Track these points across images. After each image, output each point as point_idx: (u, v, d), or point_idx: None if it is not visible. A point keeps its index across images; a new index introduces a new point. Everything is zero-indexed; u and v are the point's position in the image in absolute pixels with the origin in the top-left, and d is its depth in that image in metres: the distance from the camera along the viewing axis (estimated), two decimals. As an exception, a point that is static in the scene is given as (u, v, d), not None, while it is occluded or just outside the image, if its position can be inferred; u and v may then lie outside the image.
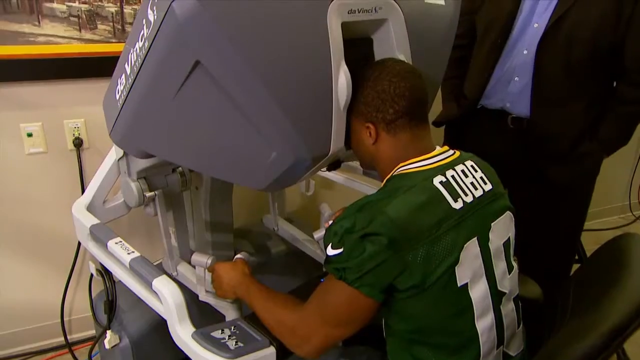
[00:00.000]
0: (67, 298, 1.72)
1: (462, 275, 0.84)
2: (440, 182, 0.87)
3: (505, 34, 1.39)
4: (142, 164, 1.15)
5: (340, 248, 0.82)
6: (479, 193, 0.92)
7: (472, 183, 0.92)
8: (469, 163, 0.95)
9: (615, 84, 1.37)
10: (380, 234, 0.79)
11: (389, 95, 0.88)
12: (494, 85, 1.46)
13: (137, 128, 0.89)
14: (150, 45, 0.74)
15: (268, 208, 1.60)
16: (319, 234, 1.35)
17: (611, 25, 1.27)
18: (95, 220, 1.15)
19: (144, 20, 0.74)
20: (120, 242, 1.06)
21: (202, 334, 0.90)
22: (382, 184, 0.92)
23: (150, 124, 0.87)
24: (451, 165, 0.92)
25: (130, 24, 1.54)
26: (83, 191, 1.60)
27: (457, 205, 0.86)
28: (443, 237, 0.83)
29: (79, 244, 1.58)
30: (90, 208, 1.20)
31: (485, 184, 0.95)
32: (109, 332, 1.26)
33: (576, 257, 1.68)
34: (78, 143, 1.59)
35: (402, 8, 0.94)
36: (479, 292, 0.86)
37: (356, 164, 1.53)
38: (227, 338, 0.91)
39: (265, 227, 1.62)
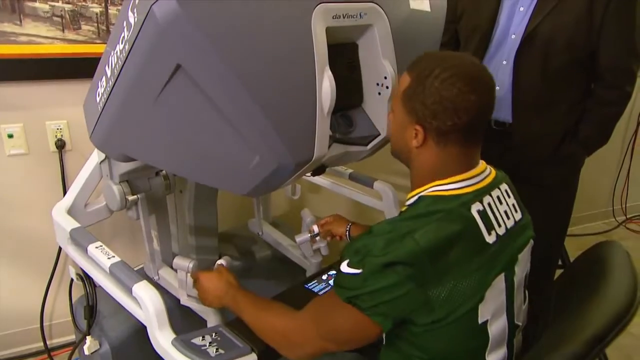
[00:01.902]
0: (47, 303, 1.69)
1: (485, 312, 0.79)
2: (478, 211, 0.80)
3: (484, 45, 1.41)
4: (125, 167, 1.13)
5: (359, 269, 0.75)
6: (510, 223, 0.86)
7: (505, 212, 0.86)
8: (503, 187, 0.89)
9: (592, 86, 1.39)
10: (406, 264, 0.72)
11: (453, 106, 0.77)
12: None
13: (118, 132, 0.88)
14: (131, 48, 0.73)
15: (254, 212, 1.59)
16: (301, 237, 1.34)
17: (584, 32, 1.30)
18: (76, 224, 1.13)
19: (125, 23, 0.73)
20: (101, 246, 1.04)
21: (183, 341, 0.89)
22: (412, 195, 0.85)
23: (130, 127, 0.85)
24: (488, 189, 0.85)
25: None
26: (65, 194, 1.58)
27: (491, 239, 0.80)
28: (472, 275, 0.76)
29: (60, 248, 1.55)
30: (71, 211, 1.18)
31: (516, 212, 0.89)
32: (88, 338, 1.23)
33: (559, 263, 1.69)
34: (60, 145, 1.56)
35: (388, 14, 0.94)
36: (498, 328, 0.82)
37: (342, 168, 1.53)
38: (207, 345, 0.90)
39: (250, 231, 1.61)
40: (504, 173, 0.94)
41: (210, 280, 1.05)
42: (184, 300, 1.16)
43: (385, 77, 0.96)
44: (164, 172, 1.25)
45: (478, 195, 0.82)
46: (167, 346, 0.88)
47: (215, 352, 0.88)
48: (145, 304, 0.91)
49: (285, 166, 0.84)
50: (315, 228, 1.33)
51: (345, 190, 1.51)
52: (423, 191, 0.83)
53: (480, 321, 0.78)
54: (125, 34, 0.73)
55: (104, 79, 0.83)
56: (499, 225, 0.83)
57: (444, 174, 0.82)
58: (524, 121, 1.40)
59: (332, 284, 1.10)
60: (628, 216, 2.98)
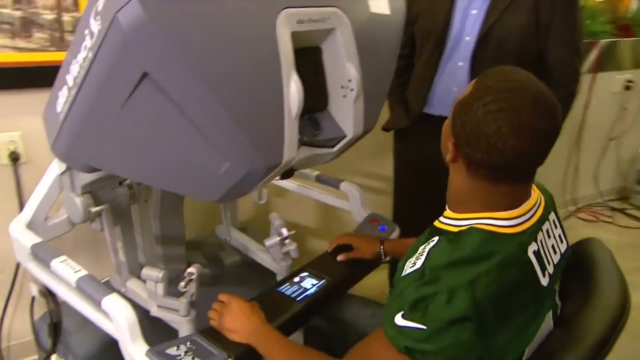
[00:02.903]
0: (4, 323, 1.61)
1: (529, 350, 0.77)
2: (534, 252, 0.75)
3: (440, 48, 1.45)
4: (87, 178, 1.10)
5: (421, 325, 0.68)
6: (557, 258, 0.82)
7: (553, 246, 0.82)
8: (552, 217, 0.84)
9: None
10: (472, 319, 0.67)
11: (487, 142, 0.70)
12: (436, 95, 1.52)
13: (82, 141, 0.85)
14: (95, 57, 0.71)
15: (221, 218, 1.58)
16: (271, 241, 1.34)
17: (533, 33, 1.37)
18: (37, 239, 1.09)
19: (87, 31, 0.71)
20: (65, 260, 1.01)
21: (157, 352, 0.87)
22: (459, 217, 0.79)
23: (95, 137, 0.83)
24: (540, 224, 0.79)
25: (70, 32, 1.47)
26: (21, 209, 1.51)
27: (545, 281, 0.76)
28: (529, 320, 0.74)
29: (18, 264, 1.49)
30: (30, 226, 1.14)
31: (562, 242, 0.85)
32: (54, 356, 1.19)
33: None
34: (15, 157, 1.50)
35: (350, 18, 0.96)
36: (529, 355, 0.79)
37: (308, 171, 1.54)
38: (183, 354, 0.88)
39: (218, 237, 1.60)
40: (550, 194, 0.89)
41: (244, 310, 0.96)
42: (155, 312, 1.14)
43: (350, 80, 0.98)
44: (128, 181, 1.23)
45: (533, 234, 0.77)
46: (141, 359, 0.87)
47: (191, 361, 0.87)
48: (116, 317, 0.88)
49: (256, 171, 0.84)
50: (285, 231, 1.33)
51: (312, 193, 1.52)
52: (473, 220, 0.76)
53: (524, 358, 0.76)
54: (88, 42, 0.72)
55: (65, 88, 0.81)
56: (549, 264, 0.79)
57: (488, 206, 0.76)
58: None
59: (308, 289, 1.11)
60: (578, 206, 3.13)
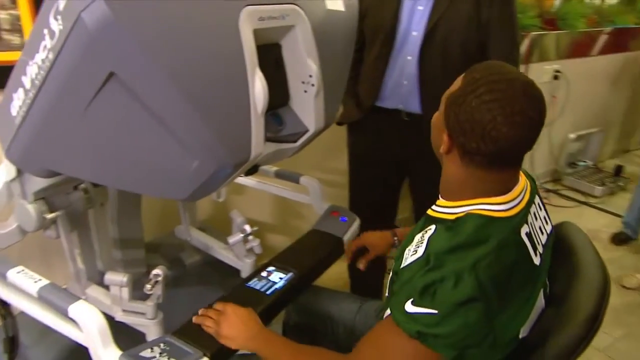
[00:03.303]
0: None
1: (525, 329, 0.81)
2: (526, 234, 0.80)
3: (389, 43, 1.50)
4: (40, 184, 1.06)
5: (432, 309, 0.72)
6: (544, 239, 0.87)
7: (540, 227, 0.86)
8: (537, 200, 0.89)
9: None
10: (479, 299, 0.71)
11: (482, 131, 0.74)
12: (387, 89, 1.57)
13: (41, 145, 0.82)
14: (56, 57, 0.69)
15: (179, 218, 1.55)
16: (234, 238, 1.35)
17: (475, 29, 1.45)
18: (-14, 251, 1.03)
19: (46, 31, 0.69)
20: (23, 270, 0.97)
21: (130, 356, 0.86)
22: (455, 205, 0.83)
23: (56, 140, 0.81)
24: (529, 206, 0.84)
25: (6, 30, 1.39)
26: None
27: (537, 260, 0.81)
28: (527, 299, 0.79)
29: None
30: (-22, 238, 1.08)
31: (547, 224, 0.90)
32: (12, 372, 1.14)
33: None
34: (-49, 166, 1.40)
35: (308, 14, 0.98)
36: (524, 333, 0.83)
37: (268, 167, 1.55)
38: (158, 356, 0.88)
39: (177, 238, 1.58)
40: (532, 178, 0.93)
41: (240, 316, 0.95)
42: (120, 317, 1.12)
43: (311, 76, 1.00)
44: (83, 185, 1.19)
45: (523, 217, 0.81)
46: (116, 364, 0.85)
47: (167, 361, 0.87)
48: (85, 324, 0.86)
49: (224, 168, 0.85)
50: (247, 228, 1.34)
51: (272, 188, 1.53)
52: (469, 206, 0.81)
53: (521, 336, 0.81)
54: (48, 42, 0.69)
55: (21, 90, 0.78)
56: (539, 244, 0.83)
57: (482, 192, 0.80)
58: (433, 112, 1.52)
59: (277, 282, 1.12)
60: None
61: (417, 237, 0.83)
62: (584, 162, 3.62)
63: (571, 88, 3.20)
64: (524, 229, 0.80)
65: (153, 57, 0.68)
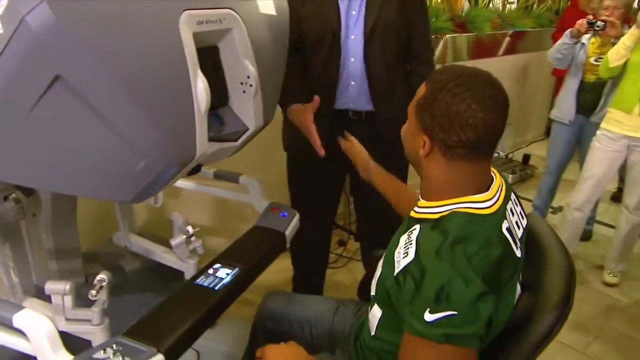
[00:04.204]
0: None
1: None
2: (507, 229, 0.84)
3: (336, 47, 1.57)
4: (-34, 195, 1.02)
5: (452, 311, 0.74)
6: (520, 233, 0.91)
7: (517, 222, 0.91)
8: (512, 197, 0.93)
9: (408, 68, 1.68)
10: (487, 292, 0.76)
11: (459, 121, 0.79)
12: (339, 91, 1.63)
13: (-23, 151, 0.80)
14: (-4, 61, 0.69)
15: (115, 226, 1.53)
16: (177, 240, 1.36)
17: (404, 30, 1.58)
18: None
19: (-15, 34, 0.69)
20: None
21: (83, 359, 0.86)
22: (437, 204, 0.87)
23: (-6, 145, 0.79)
24: (506, 202, 0.89)
25: None
26: None
27: (519, 253, 0.86)
28: (511, 290, 0.85)
29: None
30: None
31: (523, 219, 0.94)
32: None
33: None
34: None
35: (243, 18, 1.03)
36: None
37: (205, 168, 1.57)
38: (111, 356, 0.88)
39: (115, 245, 1.55)
40: (505, 177, 0.97)
41: (283, 354, 0.99)
42: (63, 326, 1.09)
43: (249, 76, 1.05)
44: (13, 195, 1.15)
45: (503, 213, 0.85)
46: (68, 369, 0.85)
47: (122, 360, 0.87)
48: (33, 331, 0.85)
49: (170, 166, 0.88)
50: (190, 229, 1.36)
51: (211, 189, 1.55)
52: (452, 205, 0.85)
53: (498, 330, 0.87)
54: (-13, 45, 0.69)
55: (-45, 95, 0.76)
56: (517, 238, 0.88)
57: (463, 190, 0.85)
58: (383, 107, 1.62)
59: (224, 278, 1.15)
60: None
61: (404, 239, 0.85)
62: (497, 153, 3.95)
63: (482, 86, 3.48)
64: (505, 224, 0.84)
65: (98, 58, 0.70)
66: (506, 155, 3.98)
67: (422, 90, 0.87)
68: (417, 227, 0.85)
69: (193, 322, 1.00)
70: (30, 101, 0.72)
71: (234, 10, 1.00)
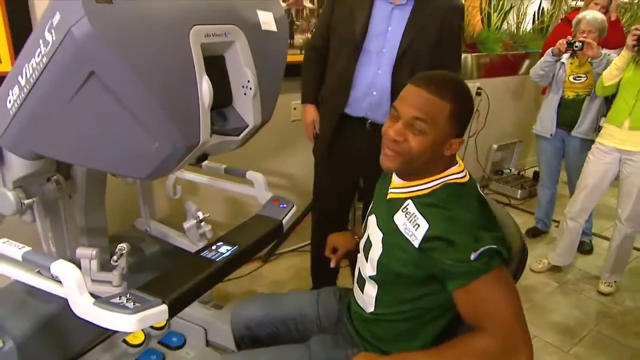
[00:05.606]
0: None
1: None
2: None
3: (355, 56, 1.72)
4: (18, 173, 1.25)
5: (490, 245, 0.98)
6: None
7: None
8: None
9: None
10: (501, 233, 1.05)
11: (472, 109, 1.11)
12: (355, 98, 1.79)
13: (30, 132, 1.03)
14: (49, 61, 0.92)
15: (138, 213, 1.75)
16: (188, 223, 1.57)
17: (439, 52, 1.73)
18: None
19: (41, 41, 0.92)
20: (7, 241, 1.15)
21: (103, 301, 1.07)
22: (431, 180, 1.10)
23: (43, 127, 1.02)
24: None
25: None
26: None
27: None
28: None
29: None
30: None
31: None
32: (-10, 340, 1.30)
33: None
34: None
35: (245, 33, 1.24)
36: None
37: (217, 165, 1.79)
38: (125, 302, 1.08)
39: (137, 230, 1.77)
40: None
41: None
42: (89, 287, 1.30)
43: (249, 81, 1.26)
44: (55, 177, 1.38)
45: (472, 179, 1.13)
46: (91, 308, 1.05)
47: (133, 305, 1.07)
48: (65, 277, 1.06)
49: (178, 149, 1.08)
50: (200, 214, 1.57)
51: (221, 184, 1.76)
52: (440, 179, 1.09)
53: None
54: (42, 49, 0.92)
55: (16, 87, 0.99)
56: None
57: (448, 163, 1.10)
58: None
59: (224, 252, 1.34)
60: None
61: (400, 216, 1.09)
62: (508, 169, 4.05)
63: (492, 103, 3.62)
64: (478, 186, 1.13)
65: (125, 60, 0.92)
66: (518, 172, 4.07)
67: (443, 105, 1.05)
68: (410, 202, 1.08)
69: (194, 283, 1.20)
70: (70, 92, 0.95)
71: (237, 26, 1.22)
